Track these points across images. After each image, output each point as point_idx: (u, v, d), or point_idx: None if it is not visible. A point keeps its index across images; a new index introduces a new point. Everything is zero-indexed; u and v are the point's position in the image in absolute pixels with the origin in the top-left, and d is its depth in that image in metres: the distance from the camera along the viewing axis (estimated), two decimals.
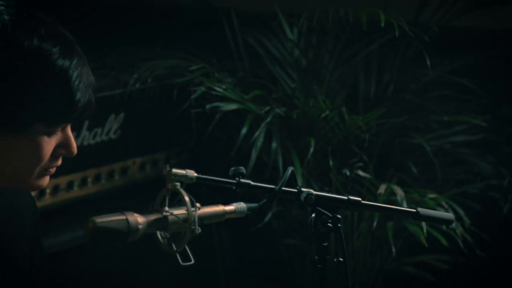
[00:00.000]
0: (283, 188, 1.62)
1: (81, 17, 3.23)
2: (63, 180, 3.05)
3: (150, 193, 1.66)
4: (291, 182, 1.64)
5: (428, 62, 3.06)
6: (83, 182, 3.12)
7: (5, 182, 1.55)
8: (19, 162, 1.51)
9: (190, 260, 1.54)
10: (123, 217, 1.50)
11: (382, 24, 2.96)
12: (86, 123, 3.09)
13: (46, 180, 1.57)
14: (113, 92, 3.17)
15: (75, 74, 1.48)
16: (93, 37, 2.97)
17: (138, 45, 3.40)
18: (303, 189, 1.63)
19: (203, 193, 1.66)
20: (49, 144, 1.52)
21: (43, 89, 1.46)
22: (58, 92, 1.48)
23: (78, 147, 3.21)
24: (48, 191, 3.00)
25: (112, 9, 3.63)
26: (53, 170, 1.56)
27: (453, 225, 2.83)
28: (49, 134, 1.51)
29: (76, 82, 1.49)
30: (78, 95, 1.49)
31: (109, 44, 3.36)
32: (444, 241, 2.95)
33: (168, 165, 1.56)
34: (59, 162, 1.56)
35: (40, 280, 1.76)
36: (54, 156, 1.54)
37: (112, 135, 3.20)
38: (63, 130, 1.54)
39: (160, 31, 3.52)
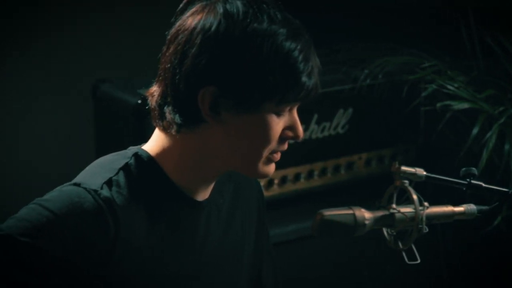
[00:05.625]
0: None
1: (312, 12, 3.29)
2: (290, 172, 3.12)
3: (374, 189, 1.66)
4: None
5: None
6: (310, 175, 3.18)
7: (236, 165, 1.61)
8: (250, 142, 1.57)
9: (416, 259, 1.52)
10: (350, 211, 1.51)
11: None
12: (315, 117, 3.14)
13: (272, 168, 1.62)
14: (343, 87, 3.20)
15: (301, 56, 1.55)
16: (325, 32, 3.01)
17: (370, 41, 3.40)
18: None
19: (429, 192, 1.63)
20: (278, 124, 1.58)
21: (272, 69, 1.54)
22: (285, 71, 1.54)
23: (306, 140, 3.28)
24: (276, 181, 3.09)
25: (343, 3, 3.65)
26: (278, 155, 1.61)
27: None
28: (278, 114, 1.57)
29: (302, 64, 1.55)
30: (304, 76, 1.55)
31: (341, 40, 3.39)
32: None
33: (397, 162, 1.55)
34: (285, 146, 1.61)
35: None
36: (281, 138, 1.59)
37: (339, 130, 3.23)
38: (291, 112, 1.60)
39: (392, 27, 3.50)
